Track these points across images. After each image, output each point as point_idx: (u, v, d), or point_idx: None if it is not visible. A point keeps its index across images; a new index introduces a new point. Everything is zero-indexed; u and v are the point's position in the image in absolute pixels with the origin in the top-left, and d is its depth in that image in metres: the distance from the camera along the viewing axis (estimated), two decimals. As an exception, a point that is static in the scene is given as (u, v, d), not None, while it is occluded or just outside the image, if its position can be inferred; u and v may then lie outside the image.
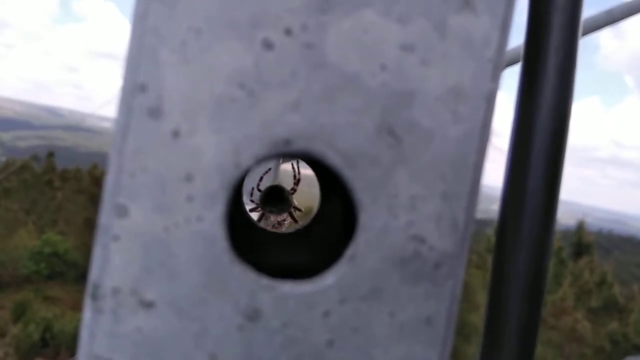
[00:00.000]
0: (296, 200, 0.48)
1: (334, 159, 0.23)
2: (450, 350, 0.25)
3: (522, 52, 0.34)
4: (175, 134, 0.22)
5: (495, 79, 0.24)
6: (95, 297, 0.23)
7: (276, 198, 0.44)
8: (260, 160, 0.23)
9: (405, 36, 0.23)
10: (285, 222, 0.46)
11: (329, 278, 0.24)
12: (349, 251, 0.24)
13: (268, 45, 0.22)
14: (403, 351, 0.24)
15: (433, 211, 0.24)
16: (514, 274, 0.29)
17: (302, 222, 0.39)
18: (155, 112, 0.22)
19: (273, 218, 0.44)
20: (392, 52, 0.23)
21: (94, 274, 0.23)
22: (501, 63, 0.25)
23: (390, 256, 0.24)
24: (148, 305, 0.23)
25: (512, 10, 0.24)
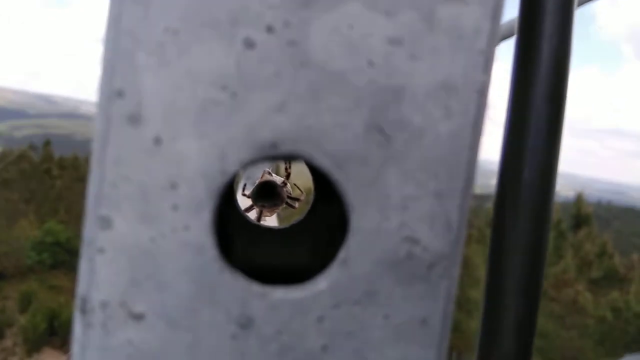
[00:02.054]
0: (295, 180, 0.47)
1: (322, 161, 0.22)
2: (447, 349, 0.24)
3: (516, 26, 0.33)
4: (157, 140, 0.22)
5: (487, 70, 0.23)
6: (84, 311, 0.23)
7: (268, 194, 0.43)
8: (246, 165, 0.22)
9: (392, 29, 0.22)
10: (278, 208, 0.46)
11: (322, 283, 0.23)
12: (341, 254, 0.23)
13: (249, 44, 0.22)
14: (399, 353, 0.24)
15: (426, 211, 0.23)
16: (510, 270, 0.28)
17: (297, 218, 0.39)
18: (134, 119, 0.22)
19: (265, 211, 0.43)
20: (379, 47, 0.22)
21: (81, 287, 0.23)
22: (493, 54, 0.24)
23: (383, 258, 0.23)
24: (138, 317, 0.23)
25: (503, -2, 0.23)
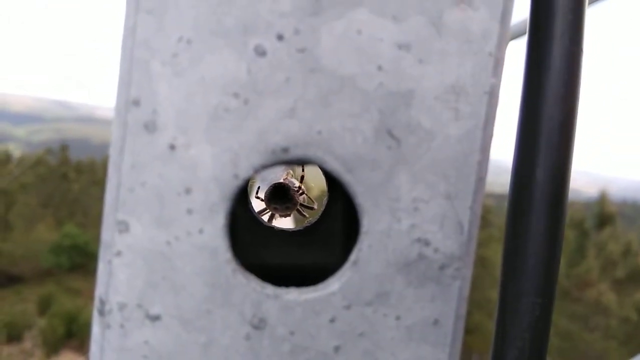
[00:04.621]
0: (309, 181, 0.47)
1: (333, 165, 0.23)
2: (460, 350, 0.25)
3: (527, 26, 0.33)
4: (172, 147, 0.22)
5: (496, 73, 0.24)
6: (102, 313, 0.23)
7: (281, 196, 0.43)
8: (258, 170, 0.23)
9: (400, 34, 0.22)
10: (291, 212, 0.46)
11: (334, 284, 0.23)
12: (352, 256, 0.23)
13: (260, 51, 0.22)
14: (411, 354, 0.24)
15: (437, 213, 0.23)
16: (525, 271, 0.28)
17: (311, 219, 0.39)
18: (150, 126, 0.22)
19: (278, 214, 0.44)
20: (388, 52, 0.22)
21: (99, 289, 0.23)
22: (503, 56, 0.24)
23: (394, 260, 0.23)
24: (154, 318, 0.23)
25: (511, 1, 0.24)
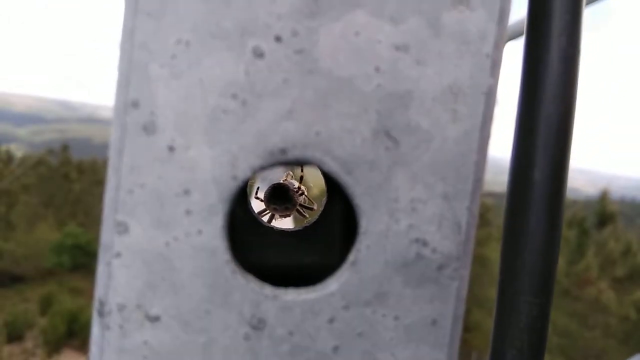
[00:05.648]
0: (309, 180, 0.47)
1: (331, 166, 0.23)
2: (458, 350, 0.25)
3: (524, 26, 0.33)
4: (171, 148, 0.22)
5: (494, 74, 0.24)
6: (101, 314, 0.23)
7: (280, 197, 0.43)
8: (257, 171, 0.23)
9: (398, 36, 0.23)
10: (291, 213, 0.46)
11: (332, 285, 0.24)
12: (351, 257, 0.23)
13: (258, 53, 0.22)
14: (409, 354, 0.24)
15: (434, 213, 0.23)
16: (523, 270, 0.28)
17: (310, 219, 0.39)
18: (149, 128, 0.22)
19: (278, 215, 0.44)
20: (386, 53, 0.23)
21: (99, 291, 0.23)
22: (500, 57, 0.24)
23: (392, 260, 0.23)
24: (154, 319, 0.23)
25: (508, 2, 0.24)
